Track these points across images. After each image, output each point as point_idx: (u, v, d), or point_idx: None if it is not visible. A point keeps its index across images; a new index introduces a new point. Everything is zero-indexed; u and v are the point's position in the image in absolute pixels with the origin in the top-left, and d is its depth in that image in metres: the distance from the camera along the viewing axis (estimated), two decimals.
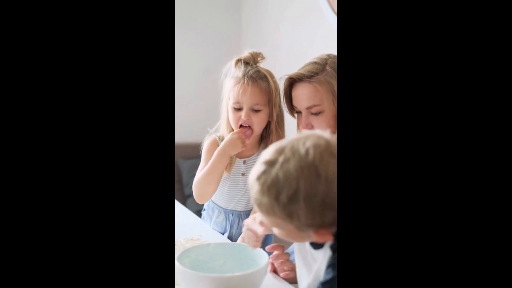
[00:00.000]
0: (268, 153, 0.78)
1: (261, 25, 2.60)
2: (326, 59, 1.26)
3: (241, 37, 2.78)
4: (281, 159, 0.75)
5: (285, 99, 1.31)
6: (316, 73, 1.23)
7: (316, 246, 0.85)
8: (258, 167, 0.78)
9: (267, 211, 0.76)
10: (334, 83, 1.21)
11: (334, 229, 0.75)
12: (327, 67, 1.23)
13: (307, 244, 0.87)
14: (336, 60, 1.24)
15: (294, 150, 0.75)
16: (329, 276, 0.80)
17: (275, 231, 0.82)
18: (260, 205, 0.77)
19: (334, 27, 2.08)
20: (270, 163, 0.76)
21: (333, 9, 2.10)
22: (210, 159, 1.36)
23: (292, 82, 1.27)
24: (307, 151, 0.74)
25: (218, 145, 1.38)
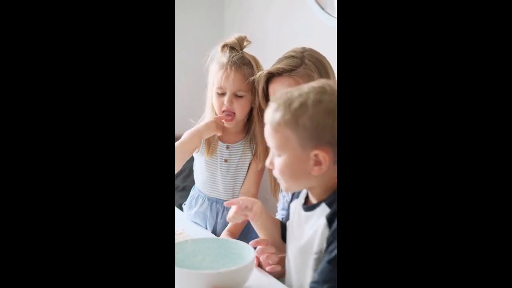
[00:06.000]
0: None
1: (246, 15, 2.58)
2: (302, 52, 1.26)
3: (224, 28, 2.75)
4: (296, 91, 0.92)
5: (262, 94, 1.30)
6: (296, 67, 1.24)
7: (308, 208, 0.96)
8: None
9: (279, 124, 0.91)
10: (315, 75, 1.22)
11: (334, 152, 0.86)
12: (306, 60, 1.24)
13: (301, 209, 0.98)
14: (312, 53, 1.26)
15: (309, 84, 0.94)
16: (333, 255, 0.85)
17: (276, 162, 0.93)
18: (272, 122, 0.92)
19: (318, 17, 2.07)
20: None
21: (317, 1, 2.09)
22: None
23: (269, 77, 1.27)
24: (319, 81, 0.95)
25: None
